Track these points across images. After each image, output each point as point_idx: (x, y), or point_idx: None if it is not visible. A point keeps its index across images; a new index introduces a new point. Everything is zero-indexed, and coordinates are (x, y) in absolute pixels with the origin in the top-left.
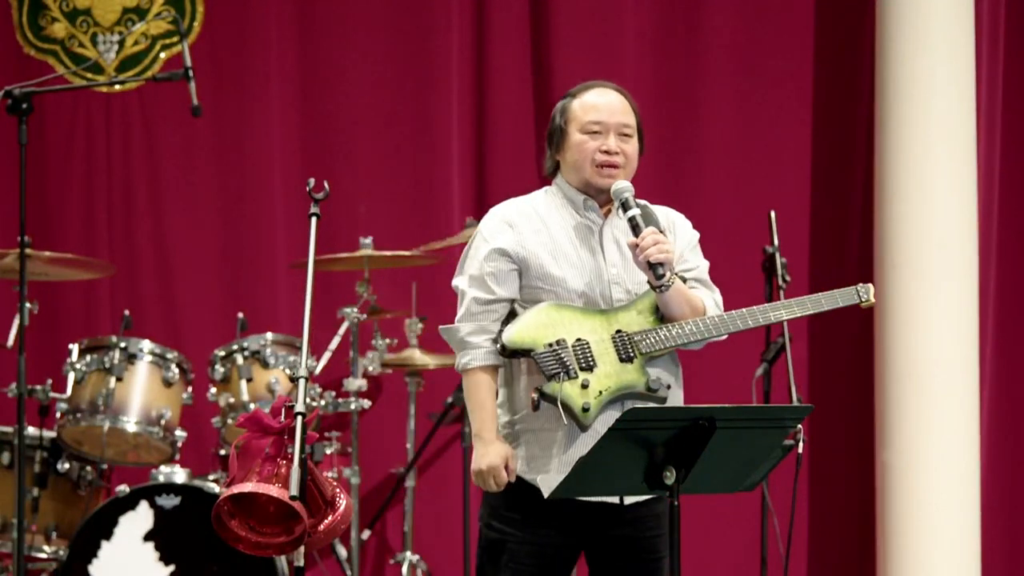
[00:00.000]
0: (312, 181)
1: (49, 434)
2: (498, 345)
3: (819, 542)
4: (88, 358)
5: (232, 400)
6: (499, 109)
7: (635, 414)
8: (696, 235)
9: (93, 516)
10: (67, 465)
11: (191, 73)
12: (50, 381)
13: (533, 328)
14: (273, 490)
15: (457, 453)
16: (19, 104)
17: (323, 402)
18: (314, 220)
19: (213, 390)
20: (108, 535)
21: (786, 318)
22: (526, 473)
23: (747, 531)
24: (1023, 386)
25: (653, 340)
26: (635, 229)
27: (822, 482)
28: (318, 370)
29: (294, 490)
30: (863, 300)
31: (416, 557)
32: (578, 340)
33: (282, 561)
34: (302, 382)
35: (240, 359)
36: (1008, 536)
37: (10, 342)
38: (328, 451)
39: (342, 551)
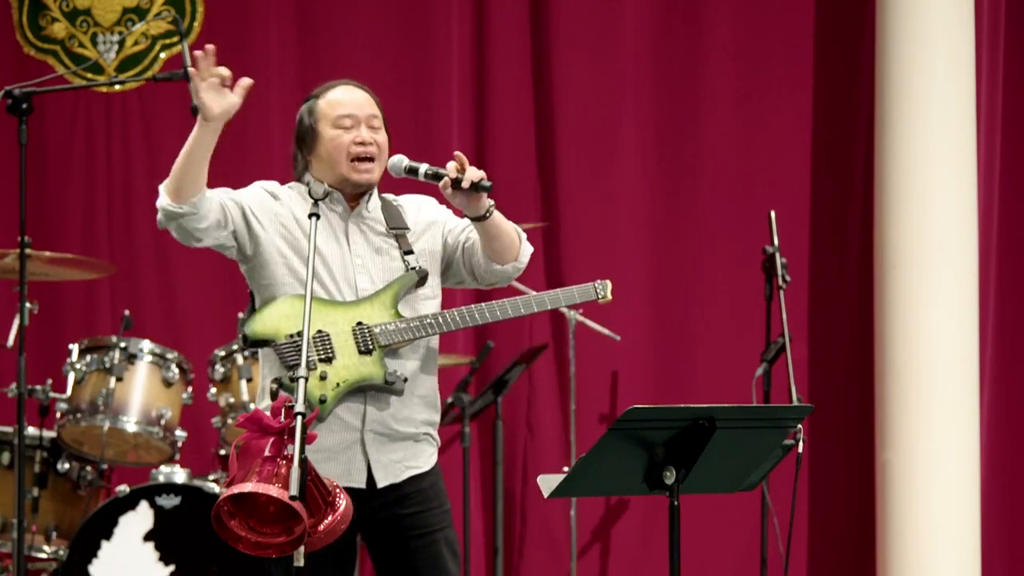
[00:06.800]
0: (312, 181)
1: (49, 434)
2: (240, 336)
3: (819, 542)
4: (88, 358)
5: (232, 400)
6: (499, 109)
7: (635, 414)
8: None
9: (93, 516)
10: (67, 465)
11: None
12: (50, 381)
13: (275, 319)
14: (273, 490)
15: (456, 453)
16: (19, 104)
17: None
18: (314, 220)
19: (213, 390)
20: (108, 535)
21: (524, 313)
22: None
23: (747, 531)
24: (1023, 386)
25: (392, 332)
26: (437, 175)
27: (822, 482)
28: None
29: (294, 490)
30: (600, 296)
31: None
32: (319, 332)
33: None
34: (302, 382)
35: (240, 359)
36: (1008, 536)
37: (10, 342)
38: None
39: None
